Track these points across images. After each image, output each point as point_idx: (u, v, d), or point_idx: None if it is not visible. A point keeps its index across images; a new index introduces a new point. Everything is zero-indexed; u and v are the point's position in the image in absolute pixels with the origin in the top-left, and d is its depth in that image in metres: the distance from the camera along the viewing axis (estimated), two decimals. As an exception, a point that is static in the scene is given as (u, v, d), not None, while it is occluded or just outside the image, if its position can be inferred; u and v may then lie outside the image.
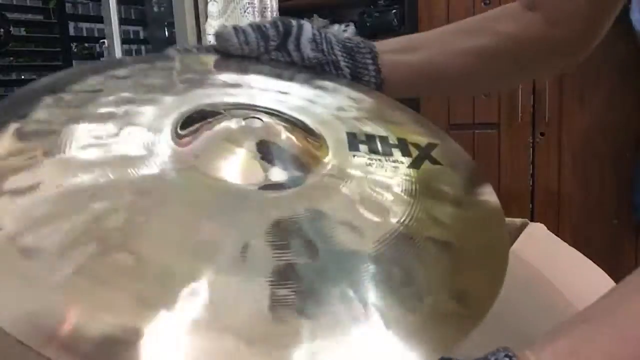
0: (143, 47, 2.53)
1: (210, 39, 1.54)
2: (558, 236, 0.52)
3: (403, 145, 0.35)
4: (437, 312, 0.24)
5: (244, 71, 0.39)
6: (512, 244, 0.48)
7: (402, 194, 0.30)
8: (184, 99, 0.33)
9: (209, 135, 0.29)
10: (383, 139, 0.35)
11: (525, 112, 1.71)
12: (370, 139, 0.34)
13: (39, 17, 2.63)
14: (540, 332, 0.26)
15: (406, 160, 0.33)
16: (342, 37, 0.44)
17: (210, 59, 0.41)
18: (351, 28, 2.28)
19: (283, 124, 0.32)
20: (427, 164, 0.34)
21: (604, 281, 0.48)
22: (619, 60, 1.58)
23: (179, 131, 0.30)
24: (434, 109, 1.75)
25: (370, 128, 0.36)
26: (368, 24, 2.21)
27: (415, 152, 0.34)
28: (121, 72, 0.36)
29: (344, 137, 0.34)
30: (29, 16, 2.77)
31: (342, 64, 0.43)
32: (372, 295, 0.23)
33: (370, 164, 0.32)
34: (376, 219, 0.27)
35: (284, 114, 0.34)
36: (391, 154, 0.33)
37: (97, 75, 0.35)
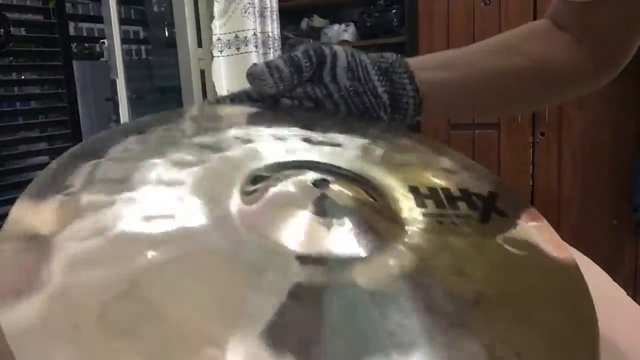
0: (143, 47, 2.53)
1: (215, 39, 1.54)
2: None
3: (467, 197, 0.33)
4: None
5: (281, 122, 0.37)
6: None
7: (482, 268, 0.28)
8: (241, 157, 0.31)
9: (274, 199, 0.28)
10: (445, 191, 0.33)
11: (525, 112, 1.72)
12: (433, 192, 0.33)
13: (39, 17, 2.63)
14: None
15: (474, 214, 0.32)
16: (374, 57, 0.42)
17: (243, 110, 0.39)
18: (351, 28, 2.29)
19: (349, 190, 0.30)
20: (494, 217, 0.32)
21: (604, 281, 0.48)
22: (619, 60, 1.58)
23: (247, 189, 0.28)
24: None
25: (427, 179, 0.34)
26: (368, 24, 2.21)
27: (480, 204, 0.33)
28: (152, 136, 0.34)
29: (408, 192, 0.32)
30: (29, 16, 2.77)
31: (380, 90, 0.41)
32: None
33: (441, 221, 0.30)
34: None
35: (346, 171, 0.32)
36: (458, 208, 0.32)
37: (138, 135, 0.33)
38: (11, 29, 2.40)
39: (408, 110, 0.42)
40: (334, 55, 0.40)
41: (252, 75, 0.39)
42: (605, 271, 0.48)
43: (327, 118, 0.40)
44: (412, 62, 0.43)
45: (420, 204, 0.31)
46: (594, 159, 1.70)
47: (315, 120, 0.39)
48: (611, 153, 1.68)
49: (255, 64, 0.39)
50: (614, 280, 0.47)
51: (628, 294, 0.47)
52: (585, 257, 0.49)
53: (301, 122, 0.38)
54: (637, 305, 0.46)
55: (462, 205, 0.32)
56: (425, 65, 0.44)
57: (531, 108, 0.78)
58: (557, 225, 1.81)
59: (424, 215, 0.30)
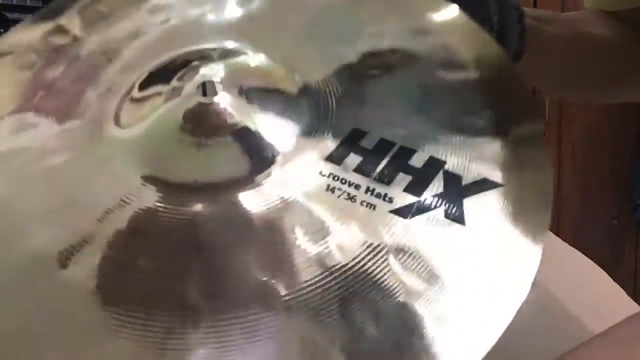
0: (143, 47, 2.53)
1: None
2: (558, 236, 0.51)
3: (428, 173, 0.21)
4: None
5: None
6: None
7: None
8: None
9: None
10: (403, 154, 0.22)
11: (525, 111, 1.71)
12: (382, 145, 0.22)
13: (39, 17, 2.62)
14: (534, 336, 0.25)
15: (401, 200, 0.21)
16: None
17: None
18: (351, 28, 2.28)
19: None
20: (437, 214, 0.20)
21: (604, 281, 0.48)
22: (619, 60, 1.58)
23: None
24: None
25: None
26: (368, 24, 2.20)
27: (437, 189, 0.21)
28: None
29: (343, 137, 0.23)
30: (29, 16, 2.76)
31: (492, 8, 0.35)
32: None
33: (331, 188, 0.21)
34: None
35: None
36: (389, 183, 0.21)
37: None
38: (11, 29, 2.40)
39: (510, 51, 0.37)
40: None
41: None
42: (605, 271, 0.48)
43: None
44: None
45: (337, 159, 0.22)
46: (594, 158, 1.70)
47: None
48: (611, 153, 1.68)
49: None
50: (614, 280, 0.47)
51: (628, 294, 0.47)
52: (585, 257, 0.49)
53: None
54: (637, 305, 0.46)
55: (400, 184, 0.21)
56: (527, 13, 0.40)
57: (607, 95, 0.67)
58: (557, 225, 1.81)
59: (321, 174, 0.22)
